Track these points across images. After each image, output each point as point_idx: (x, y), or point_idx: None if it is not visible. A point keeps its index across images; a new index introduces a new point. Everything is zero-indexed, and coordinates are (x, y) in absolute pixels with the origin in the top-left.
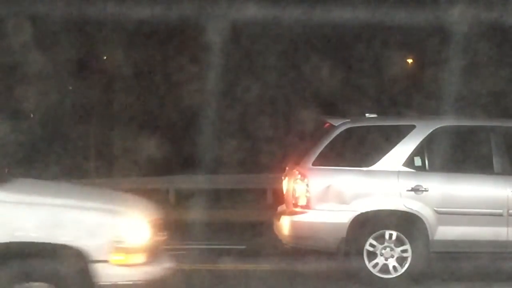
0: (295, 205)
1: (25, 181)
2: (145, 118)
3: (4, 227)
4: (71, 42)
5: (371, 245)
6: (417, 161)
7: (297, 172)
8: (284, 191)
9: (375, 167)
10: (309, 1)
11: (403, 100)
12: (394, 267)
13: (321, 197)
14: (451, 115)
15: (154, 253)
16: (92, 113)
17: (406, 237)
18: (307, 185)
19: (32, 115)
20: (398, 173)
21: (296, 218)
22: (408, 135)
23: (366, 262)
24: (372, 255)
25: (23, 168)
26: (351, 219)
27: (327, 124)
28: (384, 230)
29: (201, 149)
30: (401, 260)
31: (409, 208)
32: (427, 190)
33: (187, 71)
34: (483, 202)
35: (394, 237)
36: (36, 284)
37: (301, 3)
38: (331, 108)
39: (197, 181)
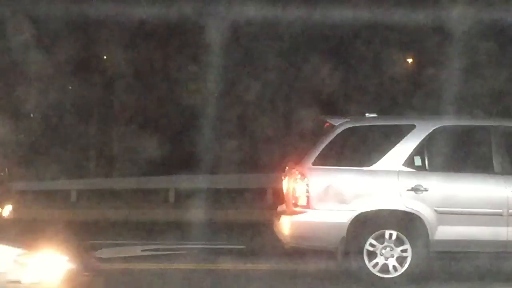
0: (295, 205)
1: None
2: (145, 117)
3: None
4: (71, 42)
5: (371, 244)
6: (417, 161)
7: (297, 172)
8: (284, 191)
9: (375, 166)
10: (309, 1)
11: (403, 100)
12: (394, 267)
13: (321, 197)
14: (451, 115)
15: None
16: (92, 113)
17: (406, 237)
18: (307, 184)
19: (32, 115)
20: (398, 172)
21: (296, 218)
22: (408, 135)
23: (366, 261)
24: (372, 255)
25: (23, 168)
26: (351, 219)
27: (327, 124)
28: (384, 230)
29: (201, 149)
30: (401, 260)
31: (409, 208)
32: (427, 190)
33: (187, 71)
34: (483, 201)
35: (394, 237)
36: None
37: (301, 3)
38: (331, 107)
39: (197, 181)
